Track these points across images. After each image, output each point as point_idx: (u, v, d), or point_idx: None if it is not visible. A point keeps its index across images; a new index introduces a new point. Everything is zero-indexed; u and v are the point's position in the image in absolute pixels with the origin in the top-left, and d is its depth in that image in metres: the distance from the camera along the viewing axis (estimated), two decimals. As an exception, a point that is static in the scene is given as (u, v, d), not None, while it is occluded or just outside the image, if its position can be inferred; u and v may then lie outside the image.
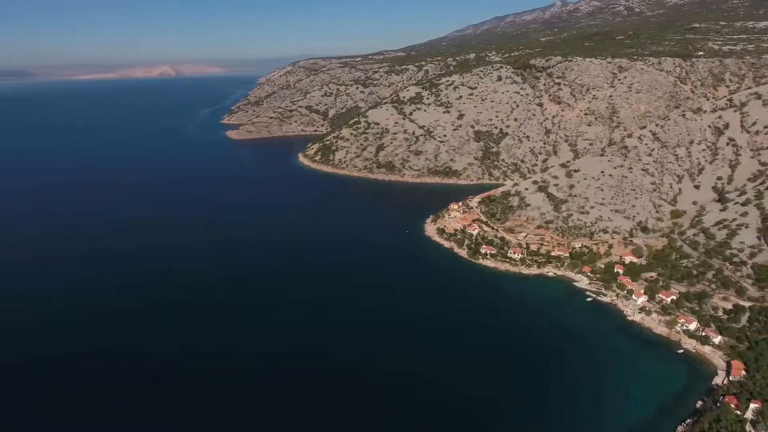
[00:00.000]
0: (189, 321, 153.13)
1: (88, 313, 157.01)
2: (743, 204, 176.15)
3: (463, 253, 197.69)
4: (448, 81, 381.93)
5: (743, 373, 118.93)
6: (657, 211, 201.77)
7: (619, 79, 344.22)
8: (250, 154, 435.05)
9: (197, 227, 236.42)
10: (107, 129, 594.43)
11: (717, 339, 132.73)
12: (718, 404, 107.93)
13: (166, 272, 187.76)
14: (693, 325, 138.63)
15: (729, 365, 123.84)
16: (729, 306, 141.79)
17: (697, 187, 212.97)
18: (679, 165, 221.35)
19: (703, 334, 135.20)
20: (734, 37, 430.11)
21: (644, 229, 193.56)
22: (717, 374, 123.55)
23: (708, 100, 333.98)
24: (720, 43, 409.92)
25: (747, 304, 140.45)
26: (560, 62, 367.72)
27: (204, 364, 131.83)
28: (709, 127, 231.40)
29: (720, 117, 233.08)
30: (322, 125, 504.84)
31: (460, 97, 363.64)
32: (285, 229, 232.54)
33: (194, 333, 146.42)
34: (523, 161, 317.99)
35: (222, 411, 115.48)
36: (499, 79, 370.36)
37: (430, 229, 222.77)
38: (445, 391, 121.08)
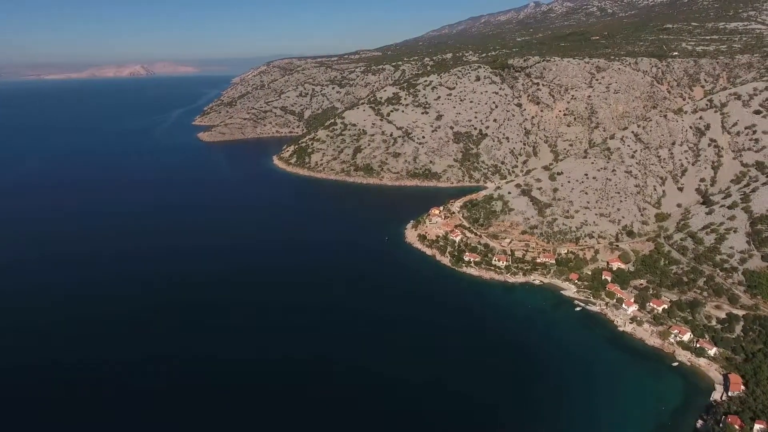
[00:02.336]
0: (171, 324, 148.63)
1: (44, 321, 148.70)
2: (729, 207, 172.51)
3: (445, 260, 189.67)
4: (425, 81, 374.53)
5: (742, 387, 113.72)
6: (642, 215, 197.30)
7: (597, 79, 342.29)
8: (223, 156, 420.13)
9: (164, 233, 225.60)
10: (71, 130, 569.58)
11: (712, 351, 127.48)
12: (721, 424, 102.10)
13: (135, 277, 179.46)
14: (687, 336, 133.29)
15: (726, 379, 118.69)
16: (722, 315, 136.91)
17: (680, 189, 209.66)
18: (662, 167, 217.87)
19: (698, 345, 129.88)
20: (706, 37, 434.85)
21: (630, 233, 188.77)
22: (714, 389, 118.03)
23: (684, 100, 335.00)
24: (693, 43, 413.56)
25: (740, 312, 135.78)
26: (538, 62, 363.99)
27: (192, 368, 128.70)
28: (691, 127, 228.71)
29: (701, 118, 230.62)
30: (298, 126, 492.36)
31: (439, 97, 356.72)
32: (255, 236, 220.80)
33: (180, 337, 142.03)
34: (503, 163, 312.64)
35: (217, 414, 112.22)
36: (478, 79, 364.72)
37: (411, 235, 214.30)
38: (434, 404, 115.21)
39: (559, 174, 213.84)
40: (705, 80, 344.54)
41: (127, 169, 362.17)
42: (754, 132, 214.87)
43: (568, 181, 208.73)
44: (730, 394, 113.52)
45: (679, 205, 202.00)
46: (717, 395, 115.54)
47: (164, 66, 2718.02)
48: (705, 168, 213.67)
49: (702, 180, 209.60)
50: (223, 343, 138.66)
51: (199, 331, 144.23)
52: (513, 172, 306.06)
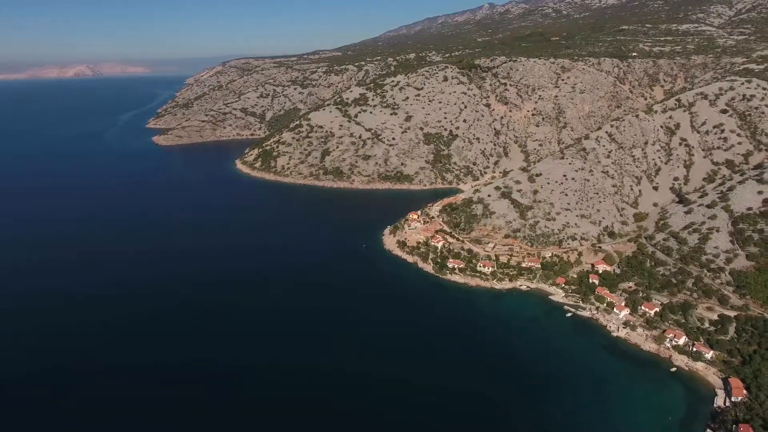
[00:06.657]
0: (161, 331, 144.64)
1: None
2: (709, 206, 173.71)
3: (428, 268, 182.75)
4: (393, 81, 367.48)
5: (744, 392, 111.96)
6: (621, 215, 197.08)
7: (563, 80, 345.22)
8: (182, 161, 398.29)
9: (127, 244, 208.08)
10: (11, 133, 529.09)
11: (709, 354, 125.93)
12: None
13: (105, 285, 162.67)
14: (682, 340, 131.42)
15: (727, 383, 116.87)
16: (714, 317, 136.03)
17: (655, 188, 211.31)
18: (637, 166, 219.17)
19: (694, 349, 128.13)
20: (661, 39, 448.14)
21: (611, 234, 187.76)
22: (716, 394, 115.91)
23: (645, 99, 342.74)
24: (650, 44, 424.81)
25: (731, 313, 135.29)
26: (505, 62, 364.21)
27: (177, 374, 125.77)
28: (662, 127, 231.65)
29: (671, 117, 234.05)
30: (260, 128, 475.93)
31: (407, 98, 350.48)
32: (223, 244, 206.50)
33: (172, 343, 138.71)
34: (474, 164, 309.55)
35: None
36: (446, 79, 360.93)
37: (390, 241, 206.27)
38: (430, 420, 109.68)
39: (537, 175, 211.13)
40: (664, 80, 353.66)
41: (78, 175, 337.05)
42: (722, 131, 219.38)
43: (548, 183, 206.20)
44: (733, 399, 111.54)
45: (655, 205, 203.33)
46: (719, 401, 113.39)
47: (112, 66, 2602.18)
48: (678, 167, 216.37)
49: (675, 179, 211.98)
50: (200, 348, 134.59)
51: (174, 337, 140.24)
52: (485, 172, 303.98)
